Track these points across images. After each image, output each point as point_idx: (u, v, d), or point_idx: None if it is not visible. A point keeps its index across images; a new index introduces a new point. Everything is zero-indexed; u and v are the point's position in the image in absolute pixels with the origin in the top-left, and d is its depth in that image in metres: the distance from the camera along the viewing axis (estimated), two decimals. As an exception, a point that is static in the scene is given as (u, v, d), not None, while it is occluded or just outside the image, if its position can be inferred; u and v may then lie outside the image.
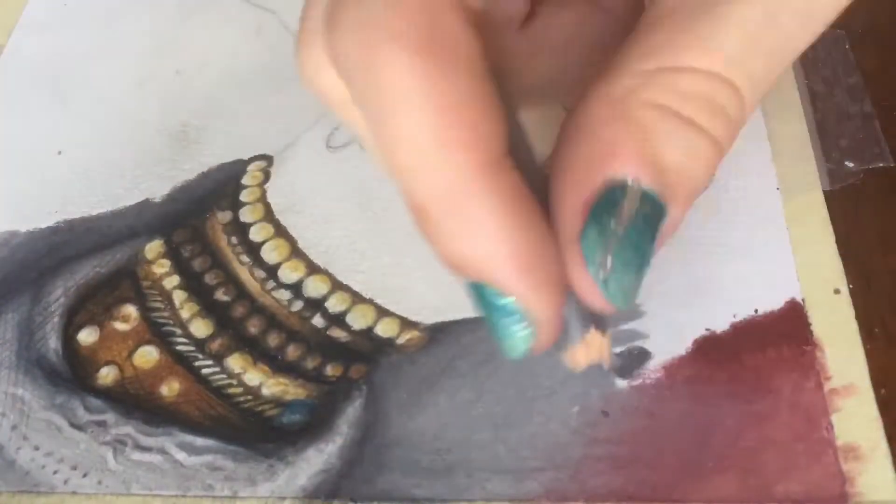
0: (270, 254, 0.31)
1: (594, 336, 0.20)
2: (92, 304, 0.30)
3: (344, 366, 0.28)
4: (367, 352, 0.28)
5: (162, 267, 0.30)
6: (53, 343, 0.29)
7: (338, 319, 0.29)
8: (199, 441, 0.27)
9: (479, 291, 0.19)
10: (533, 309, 0.19)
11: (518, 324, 0.19)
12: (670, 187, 0.18)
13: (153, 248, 0.31)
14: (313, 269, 0.30)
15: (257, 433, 0.27)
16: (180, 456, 0.26)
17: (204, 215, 0.32)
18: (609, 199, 0.18)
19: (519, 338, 0.19)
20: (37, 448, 0.27)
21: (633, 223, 0.18)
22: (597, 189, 0.18)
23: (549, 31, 0.21)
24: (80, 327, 0.29)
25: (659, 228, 0.18)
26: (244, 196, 0.32)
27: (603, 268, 0.18)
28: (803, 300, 0.28)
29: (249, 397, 0.27)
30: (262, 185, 0.32)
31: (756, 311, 0.28)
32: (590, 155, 0.18)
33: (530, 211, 0.18)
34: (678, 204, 0.18)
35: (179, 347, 0.29)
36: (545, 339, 0.19)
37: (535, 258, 0.18)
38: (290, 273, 0.30)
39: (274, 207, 0.32)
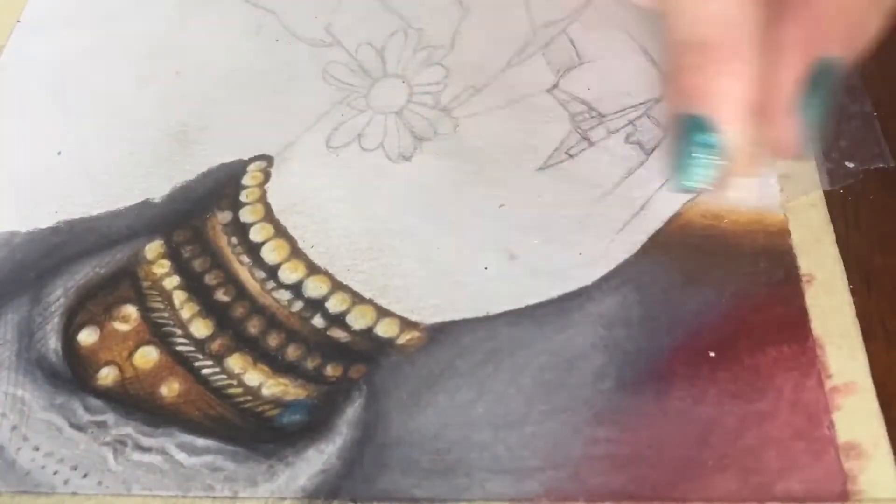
0: (270, 254, 0.31)
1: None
2: (92, 304, 0.30)
3: (344, 366, 0.28)
4: (367, 352, 0.28)
5: (162, 267, 0.30)
6: (53, 343, 0.29)
7: (338, 320, 0.29)
8: (200, 441, 0.27)
9: (692, 122, 0.24)
10: (739, 143, 0.23)
11: (713, 155, 0.24)
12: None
13: (153, 248, 0.31)
14: (313, 269, 0.30)
15: (257, 434, 0.27)
16: (180, 456, 0.26)
17: (204, 215, 0.32)
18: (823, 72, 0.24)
19: (710, 166, 0.24)
20: (37, 448, 0.27)
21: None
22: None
23: None
24: (80, 328, 0.29)
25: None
26: (244, 196, 0.32)
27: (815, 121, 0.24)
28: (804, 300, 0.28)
29: (249, 398, 0.27)
30: (262, 185, 0.32)
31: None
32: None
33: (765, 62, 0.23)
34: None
35: (179, 348, 0.29)
36: (731, 172, 0.24)
37: (756, 105, 0.23)
38: (290, 273, 0.30)
39: (274, 207, 0.32)
